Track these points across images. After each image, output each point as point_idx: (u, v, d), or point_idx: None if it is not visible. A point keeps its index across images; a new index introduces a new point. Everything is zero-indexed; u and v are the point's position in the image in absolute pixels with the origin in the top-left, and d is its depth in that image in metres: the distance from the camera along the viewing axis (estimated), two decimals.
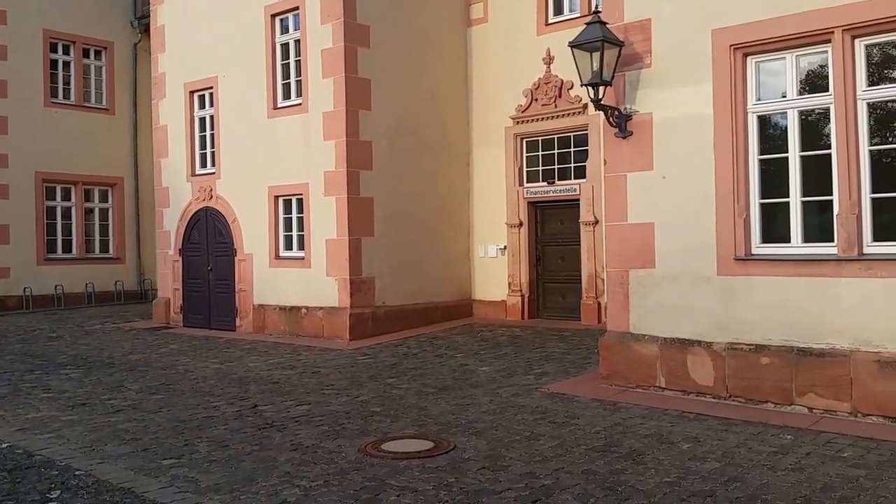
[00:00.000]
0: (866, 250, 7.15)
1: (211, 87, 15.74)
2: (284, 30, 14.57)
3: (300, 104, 14.05)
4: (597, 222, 13.44)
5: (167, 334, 14.99)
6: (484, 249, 15.34)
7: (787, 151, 7.66)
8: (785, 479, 5.50)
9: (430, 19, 14.92)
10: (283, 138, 14.28)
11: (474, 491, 5.43)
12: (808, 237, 7.56)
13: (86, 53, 20.90)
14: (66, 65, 20.51)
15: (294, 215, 14.39)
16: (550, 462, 6.05)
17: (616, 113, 8.64)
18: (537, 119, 14.47)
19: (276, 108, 14.51)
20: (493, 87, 15.14)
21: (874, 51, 7.27)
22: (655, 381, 8.40)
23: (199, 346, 13.39)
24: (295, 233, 14.41)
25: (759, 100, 7.88)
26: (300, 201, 14.15)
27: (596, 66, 8.47)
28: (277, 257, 14.56)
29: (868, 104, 7.23)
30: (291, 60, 14.40)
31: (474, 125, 15.47)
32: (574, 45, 8.62)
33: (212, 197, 15.63)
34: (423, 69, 14.66)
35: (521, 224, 14.75)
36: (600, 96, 8.58)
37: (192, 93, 16.23)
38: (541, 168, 14.70)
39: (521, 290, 14.73)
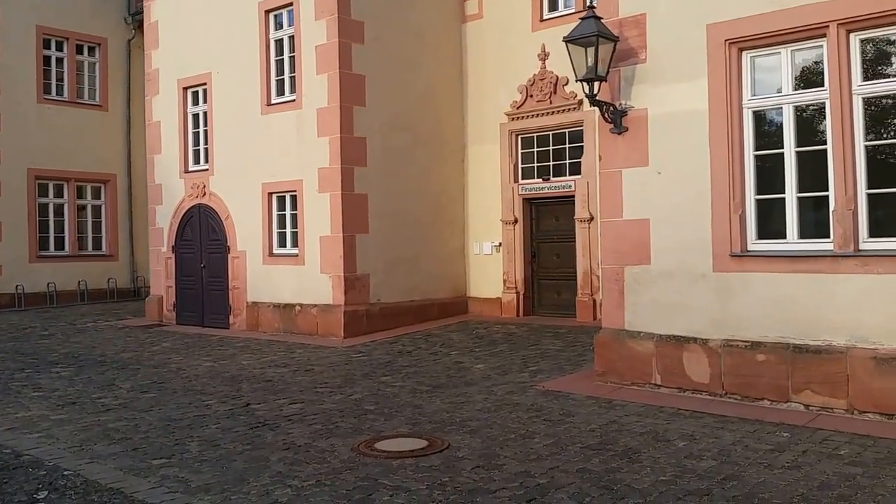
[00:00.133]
0: (862, 246, 7.11)
1: (204, 84, 15.65)
2: (278, 26, 14.49)
3: (294, 100, 13.98)
4: (592, 219, 13.40)
5: (160, 332, 14.90)
6: (479, 246, 15.28)
7: (782, 147, 7.62)
8: (782, 478, 5.45)
9: (425, 15, 14.85)
10: (276, 135, 14.20)
11: (468, 490, 5.37)
12: (803, 233, 7.52)
13: (79, 50, 20.78)
14: (60, 61, 20.40)
15: (288, 212, 14.32)
16: (545, 461, 5.99)
17: (611, 108, 8.59)
18: (532, 115, 14.42)
19: (269, 104, 14.43)
20: (487, 83, 15.08)
21: (869, 45, 7.22)
22: (651, 379, 8.35)
23: (191, 343, 13.31)
24: (289, 230, 14.33)
25: (754, 95, 7.83)
26: (294, 198, 14.08)
27: (591, 61, 8.41)
28: (271, 254, 14.49)
29: (863, 99, 7.18)
30: (285, 56, 14.32)
31: (469, 121, 15.42)
32: (569, 40, 8.56)
33: (205, 194, 15.54)
34: (417, 65, 14.59)
35: (516, 221, 14.69)
36: (595, 92, 8.53)
37: (185, 89, 16.13)
38: (536, 164, 14.64)
39: (516, 287, 14.68)
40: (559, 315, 14.11)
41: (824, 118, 7.37)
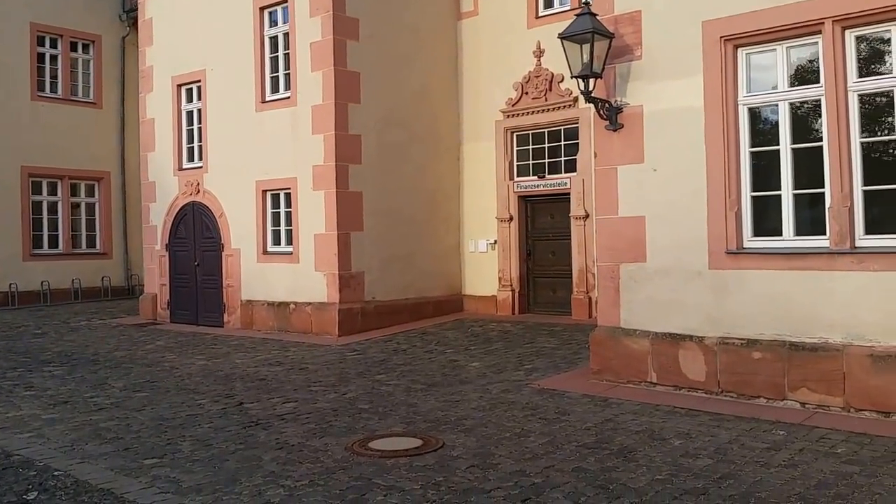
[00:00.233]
0: (858, 243, 7.08)
1: (199, 81, 15.57)
2: (273, 23, 14.42)
3: (289, 97, 13.91)
4: (587, 216, 13.36)
5: (154, 330, 14.84)
6: (474, 244, 15.24)
7: (778, 144, 7.59)
8: (778, 476, 5.42)
9: (420, 12, 14.80)
10: (271, 132, 14.14)
11: (463, 490, 5.32)
12: (799, 230, 7.49)
13: (73, 47, 20.66)
14: (54, 58, 20.26)
15: (282, 210, 14.25)
16: (541, 460, 5.95)
17: (606, 105, 8.55)
18: (528, 112, 14.38)
19: (264, 101, 14.36)
20: (483, 80, 15.03)
21: (864, 42, 7.19)
22: (647, 377, 8.32)
23: (185, 342, 13.25)
24: (283, 227, 14.27)
25: (749, 92, 7.80)
26: (288, 195, 14.01)
27: (586, 57, 8.37)
28: (265, 252, 14.42)
29: (859, 96, 7.15)
30: (280, 53, 14.25)
31: (464, 119, 15.37)
32: (564, 37, 8.52)
33: (199, 191, 15.46)
34: (412, 62, 14.54)
35: (511, 218, 14.65)
36: (590, 89, 8.48)
37: (179, 86, 16.05)
38: (531, 162, 14.60)
39: (511, 285, 14.64)
40: (554, 313, 14.07)
41: (820, 115, 7.34)
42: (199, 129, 15.67)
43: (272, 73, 14.36)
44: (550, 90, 14.01)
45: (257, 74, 14.39)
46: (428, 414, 7.57)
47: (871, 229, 7.08)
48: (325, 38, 13.30)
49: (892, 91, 7.01)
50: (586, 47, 8.35)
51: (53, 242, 20.08)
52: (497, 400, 8.09)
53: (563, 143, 14.16)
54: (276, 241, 14.38)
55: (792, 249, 7.41)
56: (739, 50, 7.78)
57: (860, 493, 5.07)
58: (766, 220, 7.72)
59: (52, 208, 20.12)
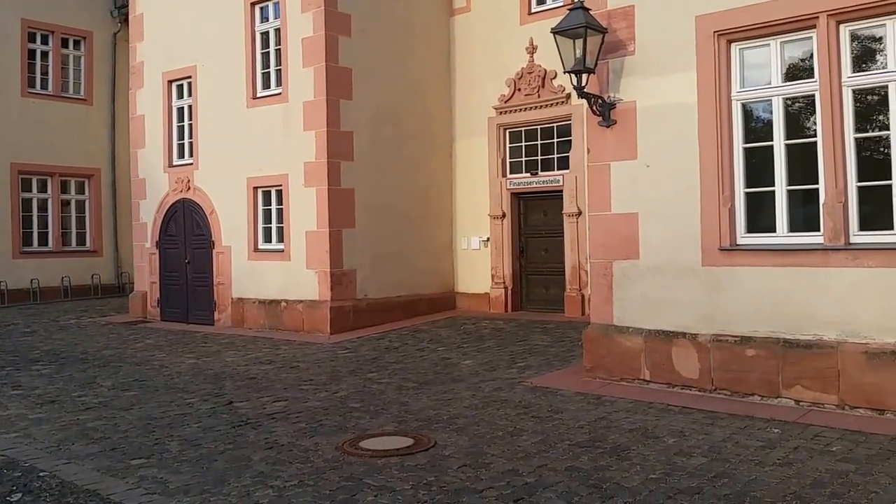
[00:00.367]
0: (853, 239, 7.03)
1: (189, 77, 15.45)
2: (264, 18, 14.31)
3: (280, 94, 13.81)
4: (580, 213, 13.31)
5: (143, 329, 14.72)
6: (467, 241, 15.18)
7: (772, 140, 7.53)
8: (773, 475, 5.36)
9: (413, 8, 14.72)
10: (262, 128, 14.03)
11: (455, 490, 5.26)
12: (793, 227, 7.44)
13: (64, 43, 20.49)
14: (45, 55, 20.09)
15: (273, 207, 14.16)
16: (533, 459, 5.89)
17: (599, 101, 8.49)
18: (520, 109, 14.32)
19: (255, 97, 14.25)
20: (475, 76, 14.96)
21: (859, 37, 7.13)
22: (640, 374, 8.27)
23: (175, 340, 13.14)
24: (274, 225, 14.17)
25: (743, 87, 7.74)
26: (280, 192, 13.92)
27: (579, 53, 8.30)
28: (256, 250, 14.32)
29: (853, 91, 7.10)
30: (271, 49, 14.15)
31: (457, 115, 15.30)
32: (556, 32, 8.45)
33: (189, 188, 15.35)
34: (405, 58, 14.46)
35: (504, 215, 14.59)
36: (583, 84, 8.41)
37: (170, 82, 15.93)
38: (524, 159, 14.54)
39: (504, 283, 14.58)
40: (547, 310, 14.02)
41: (814, 111, 7.29)
42: (190, 125, 15.55)
43: (263, 69, 14.26)
44: (543, 87, 13.95)
45: (248, 70, 14.29)
46: (420, 413, 7.50)
47: (865, 225, 7.03)
48: (317, 33, 13.21)
49: (886, 86, 6.95)
50: (579, 42, 8.28)
51: (43, 240, 19.92)
52: (489, 398, 8.02)
53: (555, 139, 14.10)
54: (268, 239, 14.29)
55: (786, 246, 7.37)
56: (733, 45, 7.73)
57: (856, 491, 5.02)
58: (760, 217, 7.67)
59: (42, 205, 19.96)
